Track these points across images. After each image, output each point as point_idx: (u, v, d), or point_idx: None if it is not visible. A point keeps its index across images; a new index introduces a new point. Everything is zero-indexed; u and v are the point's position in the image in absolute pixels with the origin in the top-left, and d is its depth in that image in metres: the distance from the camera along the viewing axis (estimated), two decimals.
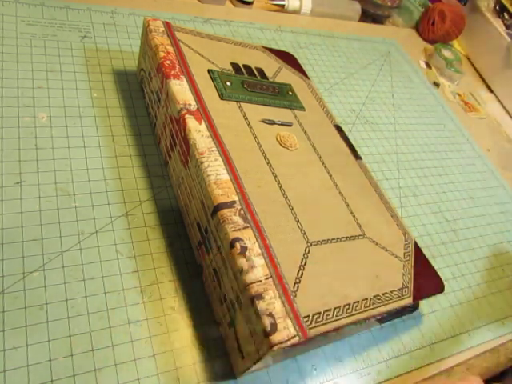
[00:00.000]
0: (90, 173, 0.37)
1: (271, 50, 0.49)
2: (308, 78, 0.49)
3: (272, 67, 0.46)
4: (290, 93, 0.44)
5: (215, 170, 0.31)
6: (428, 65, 0.76)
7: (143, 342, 0.30)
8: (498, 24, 0.77)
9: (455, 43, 0.86)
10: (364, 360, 0.35)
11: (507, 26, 0.77)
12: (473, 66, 0.84)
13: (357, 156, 0.43)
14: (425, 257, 0.37)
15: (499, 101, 0.78)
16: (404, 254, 0.36)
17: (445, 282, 0.43)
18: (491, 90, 0.79)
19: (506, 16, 0.78)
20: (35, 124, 0.38)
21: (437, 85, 0.72)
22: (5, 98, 0.38)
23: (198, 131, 0.33)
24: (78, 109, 0.41)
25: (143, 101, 0.44)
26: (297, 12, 0.69)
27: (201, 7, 0.60)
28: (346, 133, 0.54)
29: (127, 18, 0.52)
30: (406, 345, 0.37)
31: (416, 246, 0.38)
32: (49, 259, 0.31)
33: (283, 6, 0.67)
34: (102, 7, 0.51)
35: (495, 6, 0.80)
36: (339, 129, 0.44)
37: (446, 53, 0.76)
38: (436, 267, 0.44)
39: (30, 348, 0.27)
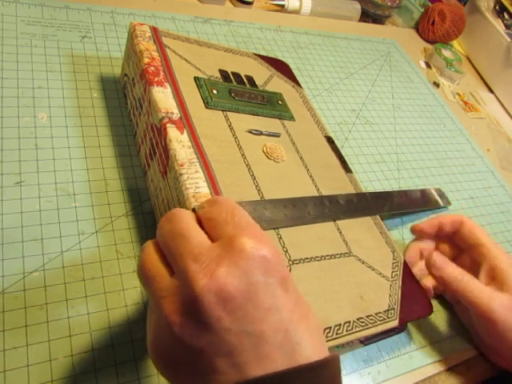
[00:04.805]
0: (90, 173, 0.37)
1: (263, 58, 0.47)
2: (300, 87, 0.47)
3: (263, 75, 0.44)
4: (280, 102, 0.42)
5: (194, 183, 0.29)
6: (428, 65, 0.76)
7: (144, 342, 0.30)
8: (497, 24, 0.77)
9: (455, 43, 0.86)
10: (364, 360, 0.35)
11: (507, 26, 0.77)
12: (473, 66, 0.84)
13: (347, 169, 0.41)
14: (414, 277, 0.36)
15: (499, 101, 0.78)
16: (392, 273, 0.34)
17: None
18: (491, 90, 0.79)
19: (506, 16, 0.79)
20: (35, 124, 0.38)
21: (437, 85, 0.72)
22: (5, 98, 0.38)
23: (178, 141, 0.31)
24: (78, 109, 0.41)
25: None
26: (297, 12, 0.69)
27: (201, 7, 0.60)
28: (346, 133, 0.54)
29: (127, 17, 0.52)
30: (406, 345, 0.37)
31: (405, 265, 0.36)
32: (49, 259, 0.31)
33: (283, 5, 0.67)
34: (101, 7, 0.51)
35: (495, 6, 0.80)
36: (330, 140, 0.43)
37: (446, 53, 0.76)
38: None
39: (29, 348, 0.27)
